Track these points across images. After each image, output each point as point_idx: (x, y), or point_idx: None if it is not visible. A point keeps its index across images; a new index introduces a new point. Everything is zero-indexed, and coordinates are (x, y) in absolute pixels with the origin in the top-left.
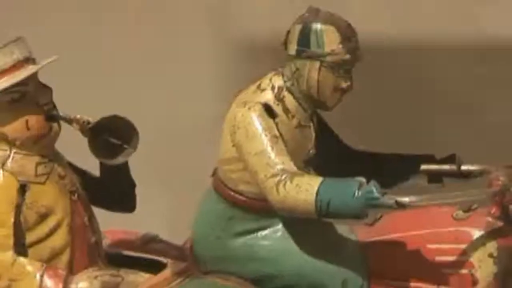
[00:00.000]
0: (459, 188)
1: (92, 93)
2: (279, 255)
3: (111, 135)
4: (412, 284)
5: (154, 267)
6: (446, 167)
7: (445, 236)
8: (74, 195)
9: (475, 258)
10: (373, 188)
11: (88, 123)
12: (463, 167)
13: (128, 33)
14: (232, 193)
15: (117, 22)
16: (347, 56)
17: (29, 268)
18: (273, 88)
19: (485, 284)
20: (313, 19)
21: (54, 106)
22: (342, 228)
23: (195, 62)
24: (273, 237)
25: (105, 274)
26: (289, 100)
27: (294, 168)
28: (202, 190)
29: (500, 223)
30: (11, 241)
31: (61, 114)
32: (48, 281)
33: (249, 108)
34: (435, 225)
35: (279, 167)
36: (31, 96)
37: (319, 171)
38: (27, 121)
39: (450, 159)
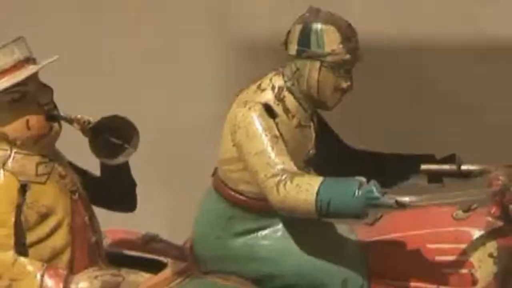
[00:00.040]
0: (459, 188)
1: (93, 93)
2: (279, 255)
3: (112, 135)
4: (412, 283)
5: (155, 267)
6: (446, 167)
7: (445, 236)
8: (74, 194)
9: (475, 258)
10: (373, 187)
11: (89, 123)
12: (463, 167)
13: (128, 33)
14: (232, 193)
15: (117, 22)
16: (348, 56)
17: (30, 267)
18: (273, 88)
19: (485, 284)
20: (314, 19)
21: (55, 106)
22: (342, 228)
23: (195, 62)
24: (273, 236)
25: (106, 273)
26: (290, 100)
27: (294, 168)
28: (202, 190)
29: (500, 223)
30: (11, 241)
31: (61, 114)
32: (48, 281)
33: (250, 108)
34: (435, 225)
35: (279, 167)
36: (32, 96)
37: (319, 171)
38: (27, 121)
39: (450, 159)
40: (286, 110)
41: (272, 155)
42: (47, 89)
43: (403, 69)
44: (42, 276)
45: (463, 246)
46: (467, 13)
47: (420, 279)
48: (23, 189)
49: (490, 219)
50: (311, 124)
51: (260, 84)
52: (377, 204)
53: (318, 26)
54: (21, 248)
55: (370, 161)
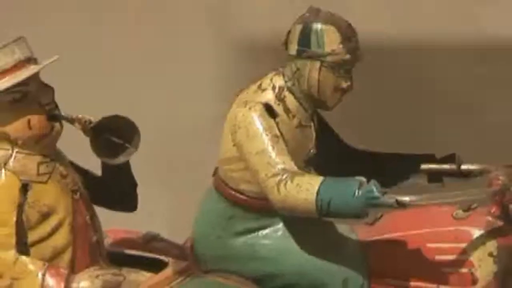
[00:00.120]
0: (459, 188)
1: (93, 93)
2: (279, 254)
3: (113, 134)
4: (412, 283)
5: (156, 266)
6: (446, 166)
7: (445, 235)
8: (76, 194)
9: (475, 257)
10: (374, 187)
11: (90, 122)
12: (463, 167)
13: (128, 33)
14: (233, 192)
15: (117, 22)
16: (348, 56)
17: (31, 267)
18: (274, 88)
19: (485, 283)
20: (314, 19)
21: (56, 106)
22: (343, 228)
23: (195, 62)
24: (273, 236)
25: (107, 273)
26: (290, 100)
27: (295, 168)
28: (203, 189)
29: (500, 223)
30: (13, 240)
31: (62, 113)
32: (50, 280)
33: (250, 108)
34: (435, 224)
35: (280, 166)
36: (33, 96)
37: (320, 171)
38: (29, 121)
39: (450, 159)
40: (287, 110)
41: (273, 154)
42: (48, 89)
43: (403, 69)
44: (44, 275)
45: (463, 245)
46: (467, 13)
47: (420, 278)
48: (24, 188)
49: (490, 218)
50: (312, 124)
51: (260, 84)
52: (377, 203)
53: (318, 26)
54: (23, 248)
55: (370, 161)
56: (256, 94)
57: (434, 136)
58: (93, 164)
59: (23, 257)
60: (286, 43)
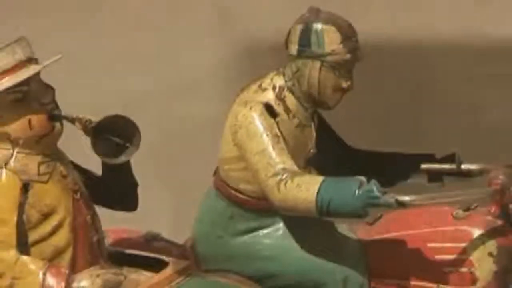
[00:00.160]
0: (459, 187)
1: (93, 93)
2: (280, 254)
3: (113, 134)
4: (412, 282)
5: (156, 266)
6: (446, 166)
7: (445, 235)
8: (76, 194)
9: (475, 257)
10: (374, 187)
11: (90, 122)
12: (463, 166)
13: (129, 33)
14: (233, 192)
15: (117, 22)
16: (348, 56)
17: (32, 266)
18: (274, 87)
19: (484, 283)
20: (314, 19)
21: (57, 106)
22: (343, 227)
23: (195, 62)
24: (274, 235)
25: (107, 272)
26: (290, 99)
27: (295, 168)
28: (204, 189)
29: (499, 222)
30: (13, 240)
31: (63, 113)
32: (50, 280)
33: (250, 108)
34: (435, 224)
35: (280, 166)
36: (34, 96)
37: (320, 171)
38: (29, 121)
39: (450, 158)
40: (287, 110)
41: (273, 154)
42: (49, 89)
43: (403, 69)
44: (44, 274)
45: (463, 245)
46: (467, 13)
47: (420, 278)
48: (25, 188)
49: (490, 218)
50: (312, 123)
51: (261, 84)
52: (377, 203)
53: (318, 26)
54: (23, 247)
55: (370, 161)
56: (256, 94)
57: (434, 136)
58: (94, 164)
59: (24, 257)
60: (286, 43)
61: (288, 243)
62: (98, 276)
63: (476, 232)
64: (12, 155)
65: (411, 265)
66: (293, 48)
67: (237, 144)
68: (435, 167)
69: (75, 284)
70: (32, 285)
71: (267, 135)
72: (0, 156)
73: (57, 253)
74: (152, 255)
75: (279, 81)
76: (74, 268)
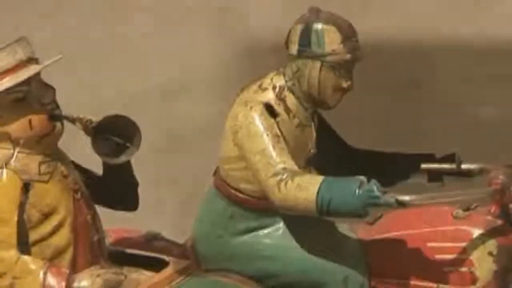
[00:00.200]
0: (459, 187)
1: (94, 93)
2: (280, 253)
3: (114, 134)
4: (412, 282)
5: (156, 265)
6: (446, 166)
7: (445, 235)
8: (77, 193)
9: (475, 256)
10: (374, 186)
11: (91, 122)
12: (463, 166)
13: (129, 32)
14: (233, 192)
15: (118, 21)
16: (348, 56)
17: (33, 266)
18: (274, 87)
19: (484, 282)
20: (314, 19)
21: (57, 106)
22: (343, 227)
23: (195, 62)
24: (274, 235)
25: (108, 272)
26: (290, 99)
27: (295, 167)
28: (204, 189)
29: (499, 222)
30: (14, 240)
31: (64, 113)
32: (51, 279)
33: (251, 108)
34: (435, 223)
35: (281, 166)
36: (34, 96)
37: (320, 170)
38: (30, 121)
39: (450, 158)
40: (287, 110)
41: (273, 154)
42: (50, 89)
43: (403, 69)
44: (45, 274)
45: (463, 244)
46: (467, 13)
47: (420, 277)
48: (26, 188)
49: (490, 218)
50: (312, 123)
51: (261, 84)
52: (377, 203)
53: (318, 26)
54: (24, 247)
55: (370, 160)
56: (256, 94)
57: (434, 136)
58: (94, 164)
59: (25, 257)
60: (287, 43)
61: (288, 243)
62: (98, 275)
63: (476, 232)
64: (12, 155)
65: (411, 265)
66: (293, 48)
67: (237, 144)
68: (435, 167)
69: (75, 284)
70: (32, 285)
71: (268, 135)
72: (0, 156)
73: (58, 253)
74: (152, 254)
75: (279, 81)
76: (74, 268)
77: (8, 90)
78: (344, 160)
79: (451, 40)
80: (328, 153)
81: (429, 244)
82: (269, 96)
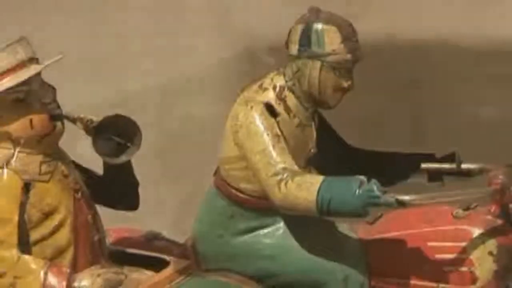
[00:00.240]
0: (459, 187)
1: (94, 93)
2: (280, 253)
3: (115, 134)
4: (412, 281)
5: (157, 265)
6: (446, 165)
7: (445, 234)
8: (77, 193)
9: (475, 256)
10: (374, 186)
11: (92, 122)
12: (463, 166)
13: (129, 32)
14: (234, 191)
15: (118, 21)
16: (348, 56)
17: (33, 265)
18: (274, 87)
19: (484, 282)
20: (315, 19)
21: (58, 106)
22: (343, 226)
23: (195, 62)
24: (274, 235)
25: (108, 271)
26: (291, 99)
27: (296, 167)
28: (204, 188)
29: (499, 222)
30: (15, 239)
31: (64, 113)
32: (52, 279)
33: (251, 108)
34: (435, 223)
35: (281, 166)
36: (35, 96)
37: (320, 170)
38: (31, 120)
39: (450, 158)
40: (287, 109)
41: (274, 154)
42: (50, 89)
43: (403, 69)
44: (46, 274)
45: (463, 244)
46: (467, 13)
47: (420, 277)
48: (26, 187)
49: (489, 217)
50: (312, 123)
51: (261, 84)
52: (377, 202)
53: (319, 26)
54: (25, 246)
55: (371, 160)
56: (257, 94)
57: (434, 136)
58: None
59: (25, 256)
60: (287, 43)
61: (289, 243)
62: (99, 275)
63: (476, 232)
64: (13, 154)
65: (411, 264)
66: (294, 48)
67: (238, 144)
68: (435, 166)
69: (76, 284)
70: (33, 285)
71: (268, 134)
72: (1, 156)
73: (58, 253)
74: (153, 254)
75: (280, 81)
76: (75, 267)
77: (8, 90)
78: (344, 160)
79: (451, 40)
80: (328, 152)
81: (429, 244)
82: (270, 95)
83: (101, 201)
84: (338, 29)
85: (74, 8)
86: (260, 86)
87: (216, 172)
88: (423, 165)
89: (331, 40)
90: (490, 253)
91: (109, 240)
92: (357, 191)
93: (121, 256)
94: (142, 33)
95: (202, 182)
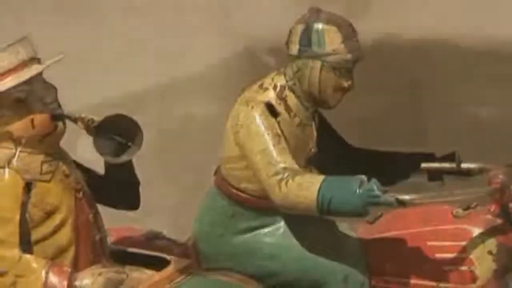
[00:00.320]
0: (459, 186)
1: (95, 92)
2: (281, 252)
3: (116, 133)
4: (412, 281)
5: (158, 264)
6: (446, 165)
7: (445, 234)
8: (79, 193)
9: (475, 255)
10: (374, 186)
11: (93, 121)
12: (463, 165)
13: (129, 32)
14: (235, 191)
15: (118, 21)
16: (348, 56)
17: (35, 265)
18: (275, 87)
19: (484, 281)
20: (315, 19)
21: (59, 105)
22: (343, 226)
23: (196, 62)
24: (275, 234)
25: (109, 271)
26: (291, 99)
27: (296, 167)
28: (205, 188)
29: (499, 221)
30: (16, 239)
31: (65, 113)
32: (53, 278)
33: (252, 107)
34: (435, 222)
35: (281, 165)
36: (36, 95)
37: (321, 170)
38: (32, 120)
39: (450, 157)
40: (288, 109)
41: (274, 153)
42: (51, 89)
43: (403, 68)
44: (47, 273)
45: (463, 243)
46: (467, 13)
47: (420, 276)
48: (28, 187)
49: (489, 217)
50: (313, 123)
51: (262, 84)
52: (377, 202)
53: (319, 26)
54: (26, 246)
55: (371, 160)
56: (257, 94)
57: (434, 136)
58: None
59: (27, 256)
60: (287, 43)
61: (289, 242)
62: (100, 274)
63: (476, 231)
64: (14, 154)
65: (411, 264)
66: (294, 48)
67: (238, 144)
68: (435, 166)
69: (77, 283)
70: (34, 284)
71: (268, 134)
72: (2, 156)
73: (60, 252)
74: (154, 253)
75: (280, 81)
76: (76, 267)
77: (10, 90)
78: (345, 159)
79: (451, 40)
80: (329, 152)
81: (429, 243)
82: (270, 95)
83: (102, 201)
84: (339, 29)
85: (74, 8)
86: (261, 86)
87: (217, 172)
88: (423, 165)
89: (331, 40)
90: (490, 252)
91: (110, 239)
92: (358, 190)
93: (122, 256)
94: (142, 33)
95: (202, 182)
